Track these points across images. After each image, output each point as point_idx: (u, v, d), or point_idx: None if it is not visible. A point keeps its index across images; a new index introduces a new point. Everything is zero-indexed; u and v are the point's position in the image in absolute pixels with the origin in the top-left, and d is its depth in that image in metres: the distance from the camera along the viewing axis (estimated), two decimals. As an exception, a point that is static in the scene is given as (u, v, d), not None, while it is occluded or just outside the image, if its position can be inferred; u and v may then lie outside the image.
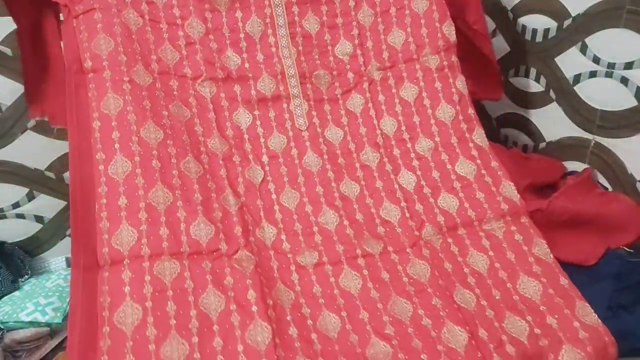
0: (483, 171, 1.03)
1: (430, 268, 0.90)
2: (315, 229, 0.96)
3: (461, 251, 0.93)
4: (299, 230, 0.97)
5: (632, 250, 1.02)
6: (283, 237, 0.95)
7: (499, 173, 1.02)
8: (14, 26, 1.37)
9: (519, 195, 0.98)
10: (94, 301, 0.80)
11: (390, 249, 0.94)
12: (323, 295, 0.86)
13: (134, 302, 0.78)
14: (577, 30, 1.31)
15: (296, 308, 0.84)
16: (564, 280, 0.87)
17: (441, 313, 0.82)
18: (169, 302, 0.79)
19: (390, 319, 0.83)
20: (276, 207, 0.99)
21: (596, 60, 1.27)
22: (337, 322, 0.83)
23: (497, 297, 0.86)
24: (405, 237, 0.96)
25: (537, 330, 0.81)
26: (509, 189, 0.99)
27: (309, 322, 0.82)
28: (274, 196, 1.00)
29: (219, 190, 0.95)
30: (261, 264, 0.88)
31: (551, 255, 0.90)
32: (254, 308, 0.80)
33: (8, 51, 1.40)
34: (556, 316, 0.82)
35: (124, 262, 0.82)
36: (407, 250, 0.94)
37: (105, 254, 0.83)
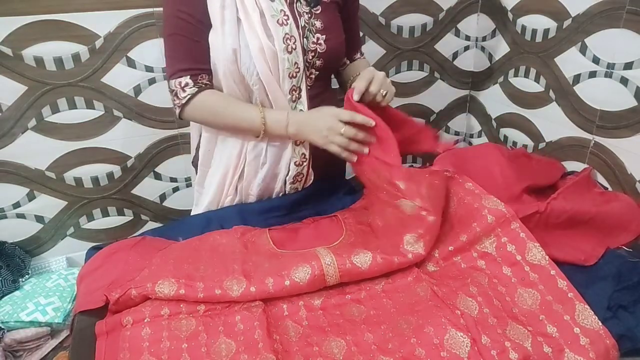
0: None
1: (430, 287, 0.92)
2: None
3: (460, 274, 0.94)
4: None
5: (632, 250, 1.02)
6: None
7: (476, 192, 1.01)
8: (15, 26, 1.38)
9: (503, 204, 0.97)
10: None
11: (390, 281, 0.96)
12: (329, 324, 0.88)
13: (151, 356, 0.82)
14: (577, 31, 1.31)
15: (303, 338, 0.86)
16: (562, 282, 0.86)
17: (443, 320, 0.83)
18: (183, 354, 0.82)
19: (392, 334, 0.84)
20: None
21: (596, 60, 1.27)
22: (343, 344, 0.84)
23: (499, 307, 0.87)
24: (407, 268, 0.97)
25: (539, 339, 0.81)
26: (492, 201, 0.98)
27: (315, 348, 0.84)
28: None
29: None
30: (271, 306, 0.91)
31: (546, 258, 0.89)
32: (260, 345, 0.82)
33: (8, 51, 1.39)
34: (556, 324, 0.82)
35: (145, 321, 0.87)
36: (409, 279, 0.95)
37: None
